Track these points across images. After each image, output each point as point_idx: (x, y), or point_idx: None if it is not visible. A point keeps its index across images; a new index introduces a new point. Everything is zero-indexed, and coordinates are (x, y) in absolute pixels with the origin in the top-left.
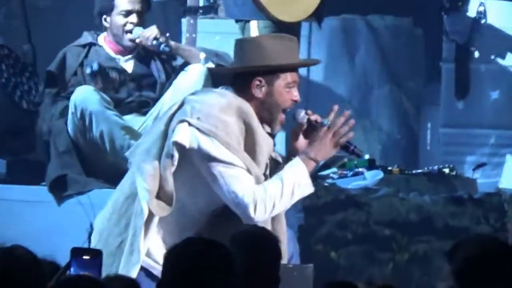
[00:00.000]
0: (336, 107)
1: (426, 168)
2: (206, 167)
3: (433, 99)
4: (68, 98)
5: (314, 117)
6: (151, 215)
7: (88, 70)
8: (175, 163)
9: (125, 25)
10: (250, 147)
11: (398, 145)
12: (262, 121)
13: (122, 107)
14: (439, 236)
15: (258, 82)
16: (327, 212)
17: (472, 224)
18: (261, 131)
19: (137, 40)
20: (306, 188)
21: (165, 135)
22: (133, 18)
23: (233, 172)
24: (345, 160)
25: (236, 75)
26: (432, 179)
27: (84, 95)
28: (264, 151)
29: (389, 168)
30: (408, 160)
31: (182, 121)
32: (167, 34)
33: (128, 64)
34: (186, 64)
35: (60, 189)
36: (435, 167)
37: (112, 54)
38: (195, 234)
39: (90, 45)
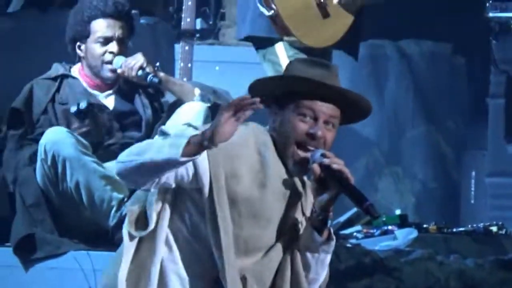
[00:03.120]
0: (317, 170)
1: (469, 226)
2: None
3: (478, 142)
4: (37, 141)
5: (329, 161)
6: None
7: (73, 109)
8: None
9: (103, 54)
10: (253, 182)
11: (435, 197)
12: (283, 159)
13: (101, 152)
14: None
15: (271, 108)
16: (350, 278)
17: None
18: (273, 168)
19: (119, 71)
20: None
21: None
22: (113, 46)
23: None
24: None
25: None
26: (476, 239)
27: (56, 137)
28: (273, 192)
29: (425, 225)
30: (448, 216)
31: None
32: (157, 64)
33: (109, 101)
34: (178, 102)
35: (28, 251)
36: (480, 225)
37: (89, 89)
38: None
39: (62, 77)
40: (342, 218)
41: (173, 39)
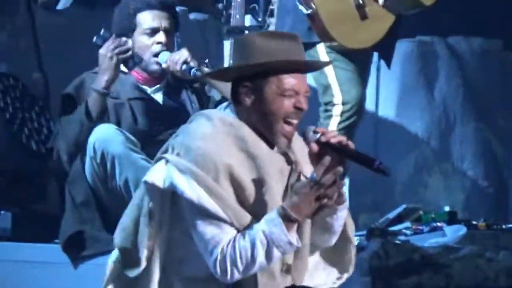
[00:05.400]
0: (327, 161)
1: None
2: (184, 209)
3: None
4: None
5: (326, 137)
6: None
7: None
8: (155, 209)
9: (151, 46)
10: (254, 179)
11: (485, 194)
12: (265, 138)
13: (150, 149)
14: None
15: (245, 89)
16: (399, 275)
17: None
18: (260, 153)
19: (164, 66)
20: (287, 247)
21: None
22: (161, 36)
23: (206, 223)
24: (421, 212)
25: (232, 84)
26: None
27: (104, 135)
28: (273, 177)
29: (474, 222)
30: (497, 213)
31: (159, 159)
32: (206, 60)
33: (157, 96)
34: (223, 100)
35: (77, 249)
36: None
37: (139, 84)
38: None
39: None
40: (391, 215)
41: (223, 36)
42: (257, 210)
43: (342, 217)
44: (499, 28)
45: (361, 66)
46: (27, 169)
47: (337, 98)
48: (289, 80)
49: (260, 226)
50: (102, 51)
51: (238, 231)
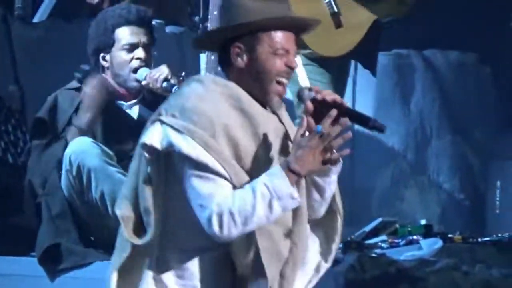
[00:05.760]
0: (334, 113)
1: (494, 236)
2: (179, 170)
3: (505, 153)
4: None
5: (322, 95)
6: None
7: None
8: (152, 173)
9: (130, 61)
10: (250, 137)
11: (461, 207)
12: (257, 99)
13: (126, 161)
14: None
15: (237, 50)
16: None
17: None
18: (256, 112)
19: (143, 83)
20: (288, 201)
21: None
22: (140, 52)
23: (203, 179)
24: (397, 226)
25: (220, 48)
26: (502, 248)
27: (80, 148)
28: (269, 136)
29: (450, 235)
30: (473, 226)
31: (154, 121)
32: (183, 73)
33: (133, 111)
34: None
35: (53, 261)
36: (506, 235)
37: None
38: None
39: None
40: (367, 228)
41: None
42: (255, 167)
43: (333, 182)
44: (475, 41)
45: (338, 78)
46: (3, 182)
47: None
48: (280, 39)
49: (262, 179)
50: (88, 91)
51: (235, 188)
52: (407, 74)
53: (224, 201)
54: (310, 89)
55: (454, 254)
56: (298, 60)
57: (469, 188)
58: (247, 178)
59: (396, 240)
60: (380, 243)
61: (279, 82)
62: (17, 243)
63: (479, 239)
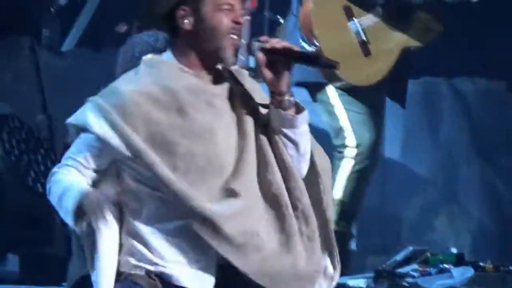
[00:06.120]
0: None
1: None
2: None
3: None
4: None
5: (271, 44)
6: None
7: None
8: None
9: None
10: (175, 112)
11: (492, 235)
12: (212, 60)
13: None
14: None
15: (182, 12)
16: None
17: None
18: (182, 87)
19: None
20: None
21: None
22: None
23: (87, 146)
24: (428, 254)
25: (166, 20)
26: None
27: None
28: (197, 109)
29: (481, 264)
30: (504, 255)
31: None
32: None
33: None
34: None
35: None
36: None
37: None
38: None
39: None
40: (398, 257)
41: None
42: (193, 139)
43: (304, 133)
44: (503, 68)
45: (374, 110)
46: (34, 212)
47: (350, 140)
48: None
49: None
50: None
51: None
52: (435, 102)
53: (62, 174)
54: (259, 41)
55: (486, 283)
56: (332, 91)
57: (499, 216)
58: (159, 159)
59: (428, 269)
60: (411, 272)
61: (231, 38)
62: (48, 273)
63: (511, 268)
